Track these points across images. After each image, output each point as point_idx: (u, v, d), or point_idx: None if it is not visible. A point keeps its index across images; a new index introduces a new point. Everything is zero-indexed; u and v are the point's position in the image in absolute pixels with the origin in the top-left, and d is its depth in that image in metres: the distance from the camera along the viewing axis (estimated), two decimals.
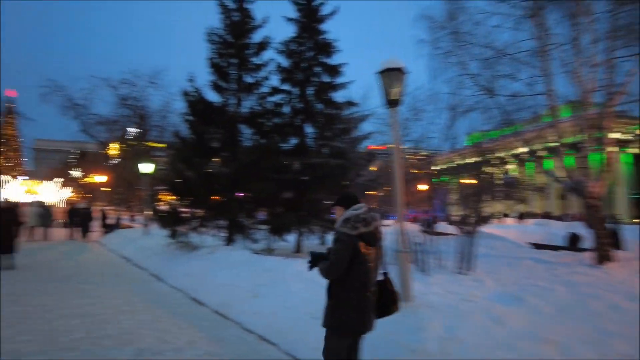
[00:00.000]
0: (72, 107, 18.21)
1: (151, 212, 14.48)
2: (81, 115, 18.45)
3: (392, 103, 5.14)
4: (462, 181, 16.36)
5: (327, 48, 14.26)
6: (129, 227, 23.32)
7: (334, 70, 14.09)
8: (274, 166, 12.05)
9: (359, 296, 2.78)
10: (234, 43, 12.38)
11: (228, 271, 7.62)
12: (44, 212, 17.92)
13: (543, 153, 17.08)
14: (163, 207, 12.76)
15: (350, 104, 13.70)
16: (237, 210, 11.46)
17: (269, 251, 10.68)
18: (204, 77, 12.40)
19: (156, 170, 16.40)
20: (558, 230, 16.83)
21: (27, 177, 45.43)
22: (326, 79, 14.20)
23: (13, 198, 30.85)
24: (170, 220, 11.59)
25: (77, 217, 19.04)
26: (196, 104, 12.01)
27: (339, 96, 13.99)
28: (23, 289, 7.51)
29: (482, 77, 11.40)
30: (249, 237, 11.49)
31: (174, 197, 12.16)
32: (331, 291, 2.86)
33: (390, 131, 5.75)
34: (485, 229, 11.19)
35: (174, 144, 12.12)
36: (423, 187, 22.04)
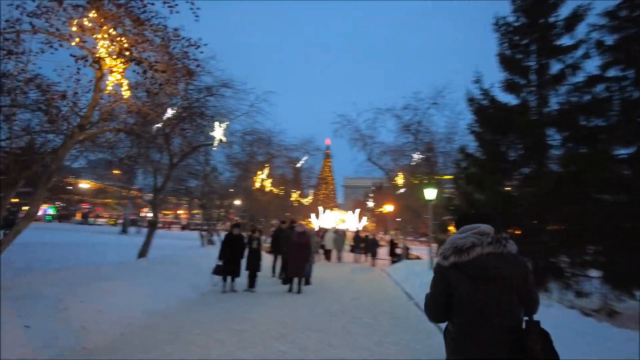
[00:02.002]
0: (360, 138, 19.15)
1: (437, 244, 12.84)
2: (367, 145, 19.14)
3: None
4: None
5: None
6: (417, 257, 22.60)
7: None
8: (603, 182, 8.22)
9: (464, 349, 2.05)
10: (532, 25, 9.50)
11: None
12: (339, 238, 19.80)
13: None
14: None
15: None
16: (547, 245, 8.24)
17: (608, 313, 6.93)
18: (492, 78, 10.06)
19: (440, 196, 14.77)
20: None
21: (337, 209, 53.43)
22: None
23: (325, 225, 36.65)
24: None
25: (362, 243, 20.68)
26: (484, 110, 9.71)
27: None
28: (294, 322, 6.93)
29: None
30: (570, 286, 7.98)
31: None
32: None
33: None
34: None
35: (459, 162, 10.13)
36: None
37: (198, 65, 7.27)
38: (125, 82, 6.64)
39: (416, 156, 18.17)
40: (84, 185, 52.99)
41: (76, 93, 6.61)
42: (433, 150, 19.01)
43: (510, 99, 9.73)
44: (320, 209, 43.68)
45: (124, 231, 36.62)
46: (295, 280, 10.13)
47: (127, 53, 5.92)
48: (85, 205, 56.69)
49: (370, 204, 47.29)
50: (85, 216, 54.08)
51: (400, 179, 21.60)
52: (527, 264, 2.19)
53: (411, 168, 20.70)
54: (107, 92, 6.53)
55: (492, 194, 9.03)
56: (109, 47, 5.79)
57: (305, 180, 30.28)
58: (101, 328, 5.70)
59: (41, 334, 4.98)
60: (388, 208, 28.26)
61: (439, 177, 17.99)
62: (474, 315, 2.05)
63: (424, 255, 23.44)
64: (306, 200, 32.75)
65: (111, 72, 6.26)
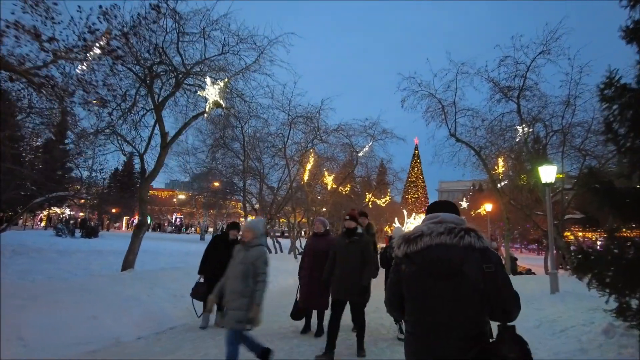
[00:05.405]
0: (438, 108, 14.19)
1: (561, 253, 7.98)
2: (449, 115, 14.09)
3: None
4: None
5: None
6: (528, 271, 17.14)
7: None
8: None
9: (415, 351, 1.85)
10: None
11: None
12: None
13: None
14: (587, 244, 6.00)
15: None
16: None
17: None
18: None
19: (565, 177, 9.64)
20: None
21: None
22: None
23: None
24: (610, 270, 4.82)
25: None
26: None
27: None
28: None
29: None
30: None
31: (621, 221, 5.23)
32: None
33: None
34: None
35: (611, 99, 5.27)
36: None
37: None
38: None
39: (521, 130, 12.94)
40: (181, 196, 54.93)
41: None
42: (541, 121, 13.51)
43: None
44: (406, 213, 38.98)
45: (202, 238, 36.91)
46: (314, 314, 6.20)
47: None
48: (179, 215, 58.64)
49: (464, 204, 40.54)
50: (177, 226, 55.39)
51: (500, 167, 16.29)
52: (495, 260, 1.83)
53: (515, 152, 15.45)
54: None
55: None
56: None
57: (379, 176, 25.35)
58: None
59: None
60: (487, 208, 22.52)
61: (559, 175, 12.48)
62: (423, 314, 1.83)
63: (537, 267, 17.91)
64: (383, 201, 27.83)
65: None
